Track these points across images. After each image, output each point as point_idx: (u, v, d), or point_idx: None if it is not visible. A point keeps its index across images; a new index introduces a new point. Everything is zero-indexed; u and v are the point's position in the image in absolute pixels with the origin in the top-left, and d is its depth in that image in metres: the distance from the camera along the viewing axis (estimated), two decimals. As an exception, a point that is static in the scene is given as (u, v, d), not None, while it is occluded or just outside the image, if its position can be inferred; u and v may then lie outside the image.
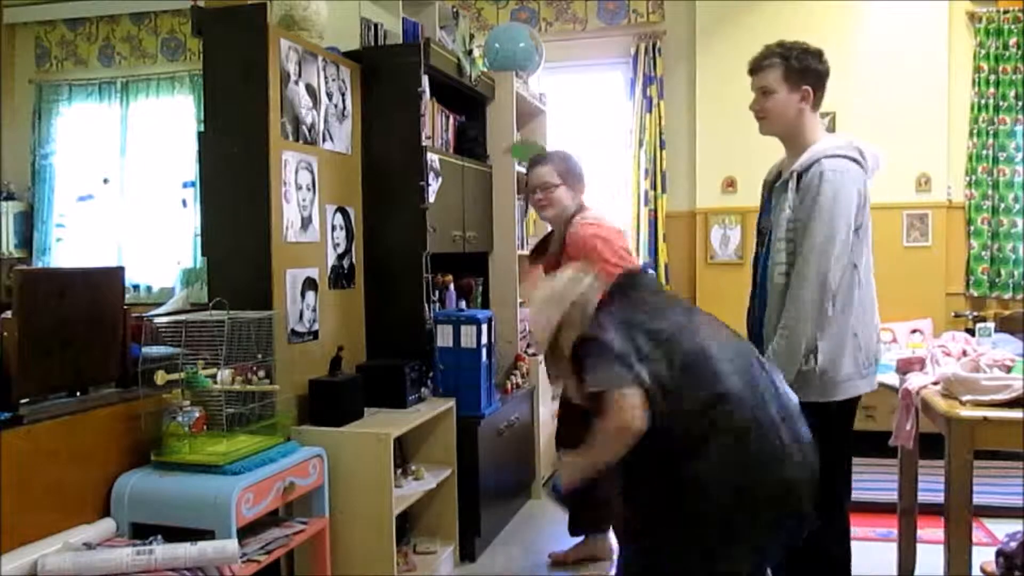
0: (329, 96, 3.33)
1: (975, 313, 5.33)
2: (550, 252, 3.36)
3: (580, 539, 3.55)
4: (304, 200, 3.15)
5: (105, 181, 5.29)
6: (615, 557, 3.27)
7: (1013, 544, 2.86)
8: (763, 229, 2.63)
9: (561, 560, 3.51)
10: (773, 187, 2.62)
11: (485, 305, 4.32)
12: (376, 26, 3.72)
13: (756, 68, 2.60)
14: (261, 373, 2.76)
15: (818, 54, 2.56)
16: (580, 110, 6.08)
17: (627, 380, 1.88)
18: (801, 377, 2.39)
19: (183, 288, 4.66)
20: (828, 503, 2.49)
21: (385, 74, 3.59)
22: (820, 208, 2.37)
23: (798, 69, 2.52)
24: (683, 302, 2.22)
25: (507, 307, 4.30)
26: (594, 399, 1.94)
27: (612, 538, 3.51)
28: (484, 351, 3.57)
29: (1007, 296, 5.41)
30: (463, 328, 3.52)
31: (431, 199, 3.57)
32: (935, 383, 2.65)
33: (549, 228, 3.60)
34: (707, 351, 1.95)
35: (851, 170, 2.42)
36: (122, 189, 5.26)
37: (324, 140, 3.30)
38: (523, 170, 4.51)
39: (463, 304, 3.99)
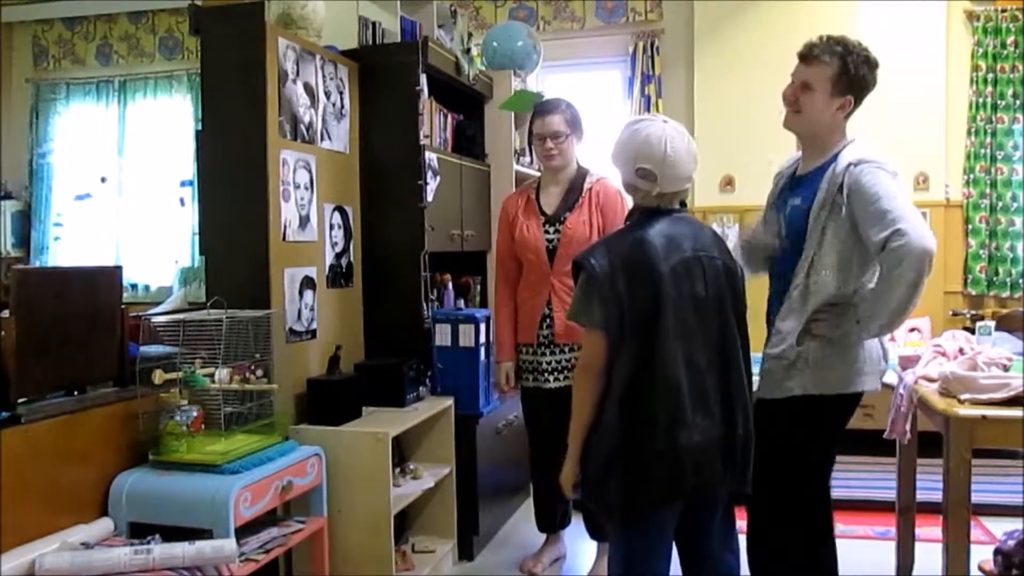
0: (327, 95, 3.33)
1: (973, 312, 5.33)
2: (562, 206, 3.27)
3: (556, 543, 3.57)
4: (302, 199, 3.14)
5: (103, 180, 5.28)
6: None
7: (1011, 543, 2.85)
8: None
9: (531, 567, 3.46)
10: (794, 181, 2.55)
11: (483, 304, 4.32)
12: (374, 25, 3.72)
13: (808, 57, 2.41)
14: (259, 372, 2.76)
15: (875, 66, 2.41)
16: (578, 109, 6.07)
17: (595, 320, 2.09)
18: (822, 362, 2.38)
19: (181, 287, 4.66)
20: (807, 506, 2.50)
21: (383, 73, 3.59)
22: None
23: (852, 76, 2.37)
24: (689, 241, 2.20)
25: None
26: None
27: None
28: (482, 350, 3.56)
29: (1005, 295, 5.42)
30: (461, 327, 3.52)
31: (429, 198, 3.57)
32: (932, 380, 2.65)
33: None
34: (666, 328, 2.07)
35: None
36: (120, 188, 5.25)
37: (322, 139, 3.30)
38: (522, 170, 4.51)
39: (461, 303, 3.99)
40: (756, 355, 2.57)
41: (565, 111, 3.27)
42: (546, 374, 3.28)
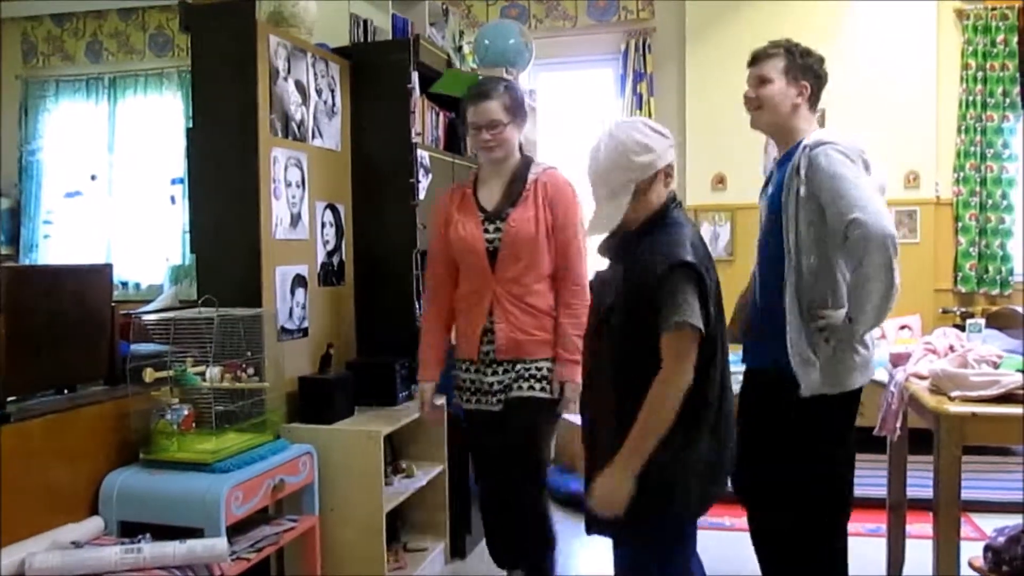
0: (319, 92, 3.32)
1: (963, 309, 5.36)
2: (504, 201, 2.81)
3: None
4: (294, 197, 3.13)
5: (93, 178, 5.27)
6: None
7: (1002, 539, 2.86)
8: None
9: None
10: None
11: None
12: (366, 22, 3.71)
13: (758, 58, 2.57)
14: (250, 371, 2.75)
15: (820, 59, 2.57)
16: (570, 107, 6.08)
17: (701, 323, 1.91)
18: (832, 358, 2.38)
19: (172, 285, 4.65)
20: (823, 511, 2.51)
21: (375, 71, 3.58)
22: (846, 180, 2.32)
23: (800, 65, 2.52)
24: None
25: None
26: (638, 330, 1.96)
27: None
28: (474, 348, 3.54)
29: (994, 292, 5.45)
30: (453, 325, 3.50)
31: (421, 196, 3.56)
32: (922, 377, 2.66)
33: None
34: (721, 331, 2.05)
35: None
36: (110, 186, 5.24)
37: (313, 137, 3.29)
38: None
39: (453, 301, 3.97)
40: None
41: (503, 95, 2.79)
42: (490, 396, 2.81)
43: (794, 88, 2.51)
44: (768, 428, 2.51)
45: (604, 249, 2.17)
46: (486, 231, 2.79)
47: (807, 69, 2.53)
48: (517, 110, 2.83)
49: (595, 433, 2.15)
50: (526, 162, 2.87)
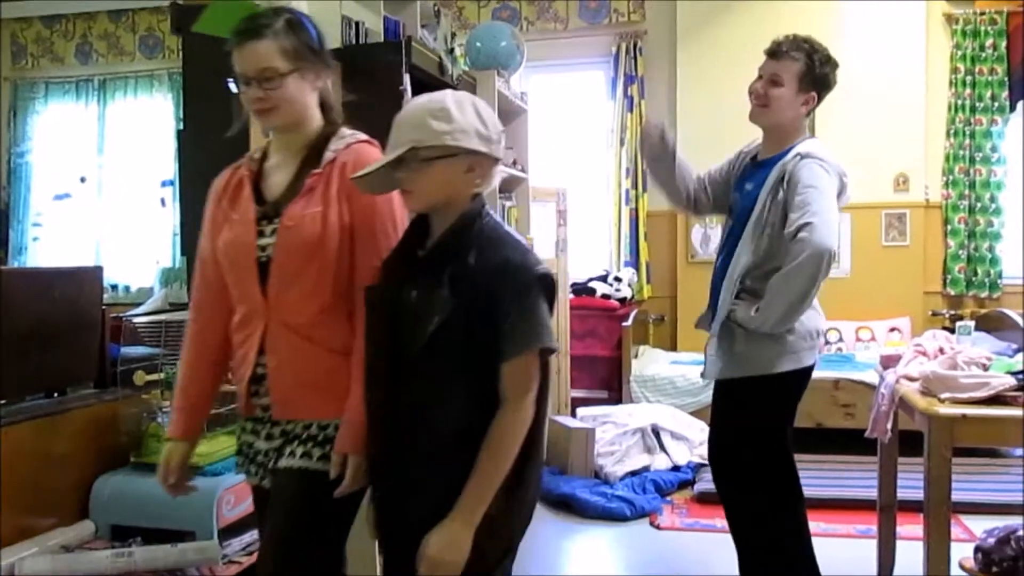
0: (310, 94, 3.31)
1: (952, 312, 5.39)
2: (290, 190, 1.91)
3: None
4: (285, 199, 3.12)
5: (82, 180, 5.24)
6: None
7: (991, 540, 2.87)
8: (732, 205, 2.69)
9: None
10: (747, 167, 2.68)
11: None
12: (357, 24, 3.70)
13: (777, 53, 2.54)
14: (242, 373, 2.74)
15: (835, 66, 2.56)
16: (562, 110, 6.09)
17: (553, 343, 1.63)
18: (748, 342, 2.45)
19: (162, 288, 4.64)
20: (775, 496, 2.55)
21: (366, 73, 3.56)
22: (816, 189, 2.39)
23: (817, 74, 2.51)
24: None
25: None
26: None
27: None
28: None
29: (983, 295, 5.48)
30: (445, 327, 3.46)
31: (413, 198, 3.54)
32: (913, 379, 2.68)
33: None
34: None
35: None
36: (99, 188, 5.22)
37: (305, 139, 3.27)
38: (505, 169, 4.51)
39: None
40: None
41: (281, 34, 1.87)
42: (260, 468, 1.86)
43: (802, 97, 2.52)
44: (722, 413, 2.65)
45: (403, 261, 1.72)
46: (260, 234, 1.86)
47: (820, 79, 2.52)
48: (305, 55, 1.91)
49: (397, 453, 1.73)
50: (327, 134, 2.00)
